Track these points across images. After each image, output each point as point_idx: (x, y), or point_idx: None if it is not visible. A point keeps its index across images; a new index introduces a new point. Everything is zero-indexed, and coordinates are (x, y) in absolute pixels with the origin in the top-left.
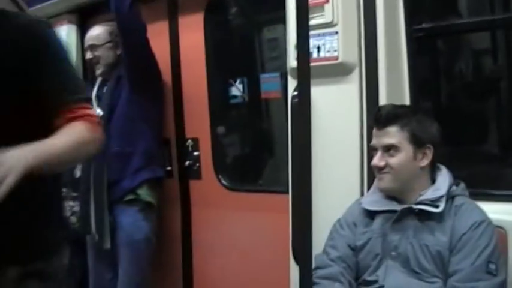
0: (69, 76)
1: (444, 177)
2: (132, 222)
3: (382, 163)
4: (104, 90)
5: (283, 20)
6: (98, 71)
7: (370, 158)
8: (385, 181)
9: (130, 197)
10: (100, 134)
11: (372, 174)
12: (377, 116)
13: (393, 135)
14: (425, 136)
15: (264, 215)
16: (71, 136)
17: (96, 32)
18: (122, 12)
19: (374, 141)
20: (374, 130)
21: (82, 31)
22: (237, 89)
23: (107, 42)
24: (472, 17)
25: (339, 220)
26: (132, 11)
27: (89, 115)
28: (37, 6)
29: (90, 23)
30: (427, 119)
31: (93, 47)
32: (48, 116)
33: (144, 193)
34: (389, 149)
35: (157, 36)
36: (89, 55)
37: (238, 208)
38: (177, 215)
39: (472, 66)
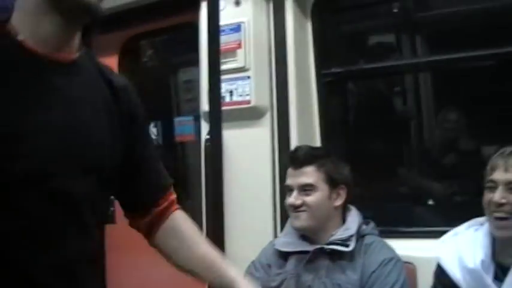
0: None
1: (354, 217)
2: None
3: (298, 201)
4: None
5: (197, 63)
6: None
7: (283, 199)
8: (301, 219)
9: None
10: None
11: (284, 215)
12: (294, 157)
13: (310, 175)
14: (340, 177)
15: None
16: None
17: None
18: None
19: (290, 181)
20: (290, 170)
21: None
22: (151, 133)
23: None
24: (380, 62)
25: (253, 262)
26: None
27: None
28: None
29: None
30: (340, 161)
31: None
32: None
33: None
34: (305, 188)
35: None
36: None
37: (153, 252)
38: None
39: (380, 109)
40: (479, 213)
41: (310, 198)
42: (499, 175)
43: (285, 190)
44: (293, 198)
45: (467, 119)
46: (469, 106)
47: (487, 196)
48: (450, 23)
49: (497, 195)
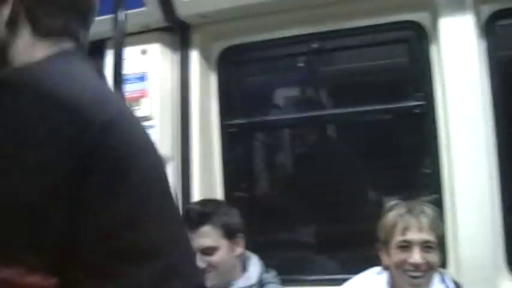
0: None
1: (255, 266)
2: None
3: (203, 265)
4: None
5: None
6: None
7: None
8: (210, 279)
9: None
10: None
11: None
12: (188, 218)
13: (208, 235)
14: (235, 226)
15: None
16: None
17: None
18: None
19: None
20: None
21: None
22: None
23: None
24: (283, 114)
25: None
26: None
27: None
28: None
29: None
30: (230, 208)
31: None
32: None
33: None
34: (207, 250)
35: None
36: None
37: None
38: None
39: (281, 159)
40: (378, 261)
41: (214, 259)
42: (413, 235)
43: None
44: (198, 262)
45: (369, 169)
46: (371, 157)
47: (400, 256)
48: (352, 77)
49: (417, 257)
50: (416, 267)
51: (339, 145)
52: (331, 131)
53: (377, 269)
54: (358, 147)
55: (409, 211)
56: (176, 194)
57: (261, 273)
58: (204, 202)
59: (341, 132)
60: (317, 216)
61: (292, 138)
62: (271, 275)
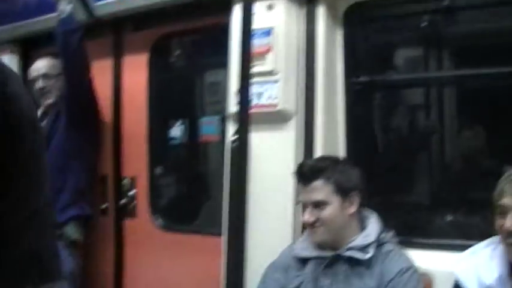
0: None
1: (374, 225)
2: None
3: (312, 219)
4: (43, 124)
5: (224, 65)
6: (48, 101)
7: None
8: (318, 234)
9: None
10: None
11: None
12: (300, 173)
13: (319, 190)
14: (350, 184)
15: (198, 257)
16: None
17: (50, 62)
18: (69, 48)
19: (302, 197)
20: (300, 186)
21: (24, 62)
22: (176, 131)
23: (60, 74)
24: (408, 73)
25: (272, 263)
26: (79, 48)
27: None
28: None
29: (33, 55)
30: (349, 167)
31: (46, 76)
32: None
33: (70, 231)
34: (317, 204)
35: (101, 72)
36: (40, 84)
37: (172, 249)
38: (110, 253)
39: (405, 119)
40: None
41: (323, 214)
42: (508, 201)
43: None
44: (307, 216)
45: (488, 136)
46: (491, 123)
47: (499, 222)
48: (478, 39)
49: (509, 223)
50: (510, 233)
51: (460, 107)
52: (452, 93)
53: (495, 238)
54: (479, 110)
55: (507, 177)
56: None
57: (380, 232)
58: (321, 158)
59: (463, 94)
60: (437, 179)
61: (415, 99)
62: (389, 235)
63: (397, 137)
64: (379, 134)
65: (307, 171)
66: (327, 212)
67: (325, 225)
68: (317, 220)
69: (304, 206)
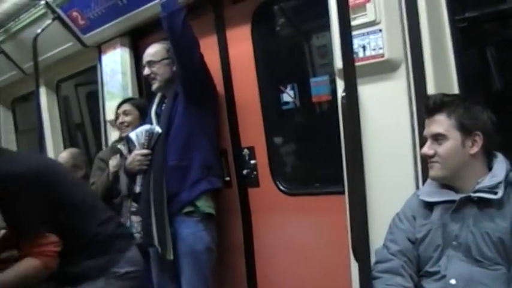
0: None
1: (501, 164)
2: (192, 232)
3: (431, 152)
4: (163, 107)
5: (328, 27)
6: (155, 86)
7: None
8: (434, 169)
9: (189, 208)
10: (51, 265)
11: (427, 166)
12: (426, 105)
13: (440, 123)
14: (474, 123)
15: (323, 217)
16: (14, 271)
17: (154, 49)
18: (175, 29)
19: (425, 131)
20: (426, 119)
21: (135, 53)
22: (288, 95)
23: (163, 59)
24: None
25: (397, 214)
26: (185, 28)
27: (43, 251)
28: (92, 32)
29: (143, 44)
30: (477, 106)
31: (150, 64)
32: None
33: (203, 204)
34: (437, 137)
35: (207, 49)
36: (146, 71)
37: (296, 212)
38: (238, 223)
39: None
40: None
41: (441, 148)
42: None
43: (424, 141)
44: (426, 148)
45: None
46: None
47: None
48: None
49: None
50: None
51: None
52: None
53: None
54: None
55: None
56: None
57: (508, 172)
58: (449, 94)
59: None
60: None
61: None
62: None
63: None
64: (493, 70)
65: (432, 104)
66: (446, 146)
67: (442, 160)
68: (435, 154)
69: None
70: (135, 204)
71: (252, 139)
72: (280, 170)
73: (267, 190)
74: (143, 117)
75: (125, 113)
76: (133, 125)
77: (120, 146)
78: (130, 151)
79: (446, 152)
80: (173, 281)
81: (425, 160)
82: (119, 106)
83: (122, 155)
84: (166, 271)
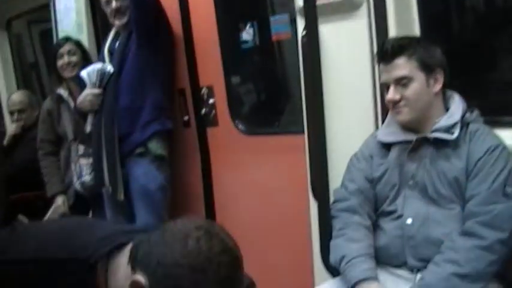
0: None
1: (457, 105)
2: (144, 172)
3: (397, 96)
4: (116, 46)
5: None
6: (122, 21)
7: (383, 91)
8: (403, 114)
9: (141, 150)
10: None
11: (385, 107)
12: (382, 51)
13: (403, 66)
14: (434, 61)
15: (282, 156)
16: None
17: None
18: None
19: (384, 77)
20: (381, 66)
21: None
22: (247, 34)
23: None
24: None
25: (355, 154)
26: None
27: None
28: None
29: None
30: (431, 44)
31: None
32: None
33: (154, 146)
34: (401, 81)
35: None
36: (114, 5)
37: (256, 151)
38: (197, 163)
39: None
40: None
41: (408, 91)
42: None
43: (382, 88)
44: (391, 94)
45: None
46: None
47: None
48: None
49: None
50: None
51: None
52: None
53: None
54: None
55: None
56: None
57: (464, 112)
58: (402, 37)
59: None
60: None
61: None
62: (474, 114)
63: (475, 14)
64: (454, 10)
65: (390, 49)
66: (412, 88)
67: (410, 103)
68: (401, 98)
69: (387, 89)
70: (82, 147)
71: (211, 78)
72: (239, 109)
73: (226, 130)
74: (85, 57)
75: (70, 53)
76: (79, 66)
77: (59, 90)
78: (71, 93)
79: (414, 94)
80: (128, 222)
81: (385, 103)
82: (58, 46)
83: (63, 100)
84: (120, 212)
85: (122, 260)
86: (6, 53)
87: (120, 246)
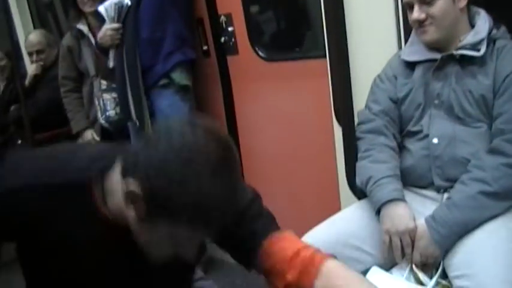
0: None
1: (483, 21)
2: (169, 104)
3: (422, 15)
4: None
5: None
6: None
7: (405, 11)
8: (429, 33)
9: (165, 81)
10: None
11: (408, 26)
12: None
13: None
14: None
15: (304, 82)
16: None
17: None
18: None
19: None
20: None
21: None
22: None
23: None
24: None
25: (379, 75)
26: None
27: None
28: None
29: None
30: None
31: None
32: None
33: (178, 76)
34: None
35: None
36: None
37: (277, 78)
38: (218, 92)
39: None
40: None
41: (433, 9)
42: None
43: (405, 8)
44: (416, 13)
45: None
46: None
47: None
48: None
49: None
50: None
51: None
52: None
53: None
54: None
55: None
56: None
57: (491, 29)
58: None
59: None
60: None
61: None
62: (501, 31)
63: None
64: None
65: None
66: (438, 5)
67: (437, 21)
68: (427, 17)
69: (410, 9)
70: (104, 82)
71: (229, 6)
72: (259, 36)
73: (247, 57)
74: None
75: None
76: (98, 0)
77: (79, 25)
78: (90, 28)
79: (440, 11)
80: None
81: (408, 22)
82: None
83: (83, 35)
84: None
85: (115, 176)
86: None
87: (111, 164)
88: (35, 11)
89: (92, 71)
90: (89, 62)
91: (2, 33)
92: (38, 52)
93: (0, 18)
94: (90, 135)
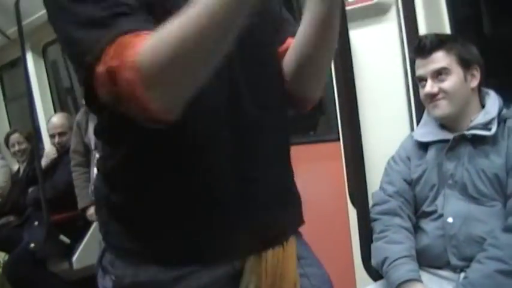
0: None
1: (493, 101)
2: None
3: (435, 89)
4: None
5: None
6: None
7: (416, 91)
8: (441, 107)
9: None
10: None
11: (420, 107)
12: (421, 45)
13: (441, 59)
14: (471, 57)
15: (318, 165)
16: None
17: None
18: None
19: (421, 71)
20: (418, 61)
21: None
22: None
23: None
24: None
25: (392, 157)
26: None
27: None
28: None
29: None
30: (468, 42)
31: None
32: None
33: None
34: (439, 73)
35: None
36: None
37: (293, 161)
38: None
39: None
40: None
41: (446, 84)
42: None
43: (417, 83)
44: (429, 87)
45: None
46: None
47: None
48: None
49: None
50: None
51: None
52: None
53: None
54: None
55: None
56: None
57: (501, 108)
58: (442, 34)
59: None
60: None
61: None
62: (511, 111)
63: (506, 11)
64: (485, 12)
65: (428, 44)
66: (450, 81)
67: (449, 96)
68: (439, 91)
69: (424, 82)
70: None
71: None
72: None
73: None
74: None
75: None
76: None
77: None
78: None
79: (452, 86)
80: None
81: (420, 102)
82: None
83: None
84: None
85: None
86: (43, 78)
87: None
88: (56, 95)
89: (93, 144)
90: (91, 136)
91: (23, 116)
92: (60, 134)
93: (23, 102)
94: (93, 211)
